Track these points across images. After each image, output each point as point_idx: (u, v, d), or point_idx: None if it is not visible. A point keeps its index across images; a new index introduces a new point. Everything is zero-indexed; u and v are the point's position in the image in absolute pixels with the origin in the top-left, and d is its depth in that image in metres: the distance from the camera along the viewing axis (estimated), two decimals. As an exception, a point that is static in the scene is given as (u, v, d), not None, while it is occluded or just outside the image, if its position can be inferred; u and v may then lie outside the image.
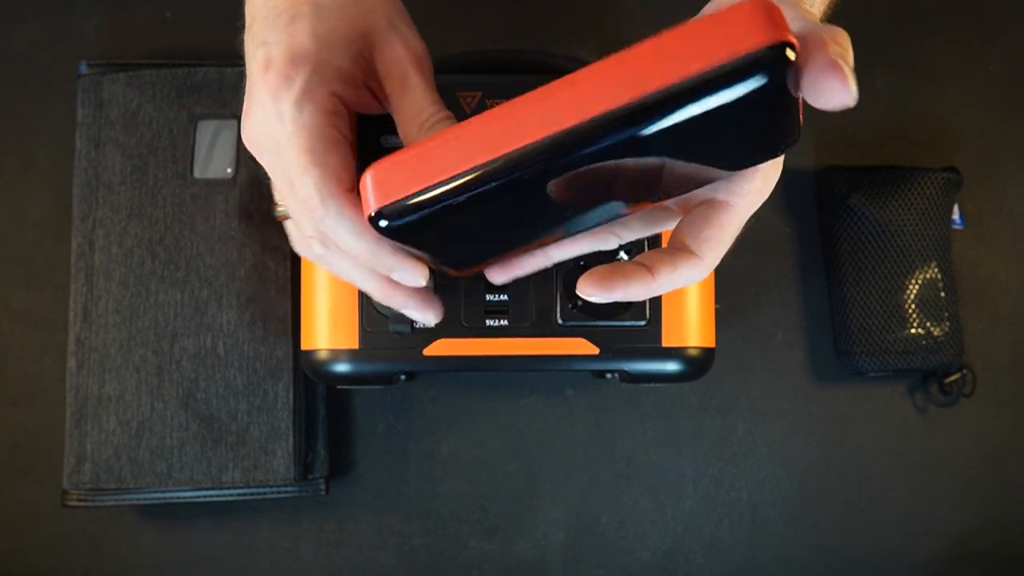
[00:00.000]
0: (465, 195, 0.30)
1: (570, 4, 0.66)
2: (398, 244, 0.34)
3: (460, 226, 0.33)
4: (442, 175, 0.30)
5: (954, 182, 0.64)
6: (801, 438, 0.64)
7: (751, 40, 0.25)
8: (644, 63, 0.26)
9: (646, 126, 0.27)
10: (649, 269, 0.36)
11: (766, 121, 0.30)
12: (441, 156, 0.30)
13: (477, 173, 0.29)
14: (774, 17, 0.26)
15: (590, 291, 0.35)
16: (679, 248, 0.36)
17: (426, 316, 0.41)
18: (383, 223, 0.31)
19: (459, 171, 0.30)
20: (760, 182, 0.36)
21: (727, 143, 0.31)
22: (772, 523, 0.63)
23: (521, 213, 0.33)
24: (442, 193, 0.30)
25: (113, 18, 0.63)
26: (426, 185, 0.30)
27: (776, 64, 0.25)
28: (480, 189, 0.30)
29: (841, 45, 0.28)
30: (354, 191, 0.35)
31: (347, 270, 0.39)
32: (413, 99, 0.37)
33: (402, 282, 0.38)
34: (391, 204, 0.31)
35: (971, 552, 0.64)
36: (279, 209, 0.44)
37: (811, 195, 0.65)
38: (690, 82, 0.26)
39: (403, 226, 0.31)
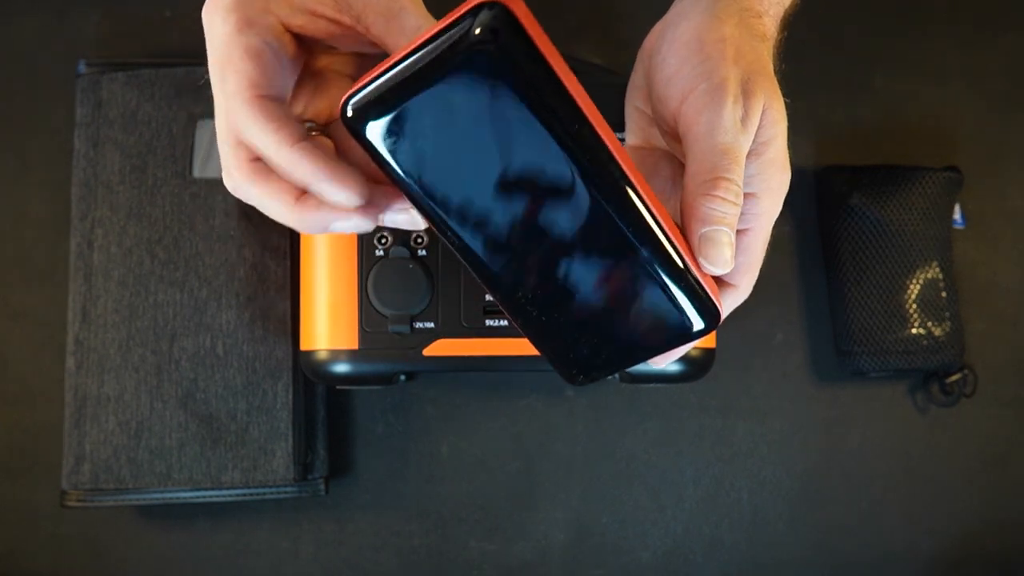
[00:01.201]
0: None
1: (570, 4, 0.66)
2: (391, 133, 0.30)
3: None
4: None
5: (955, 181, 0.64)
6: (801, 438, 0.64)
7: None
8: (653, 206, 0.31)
9: (609, 201, 0.30)
10: None
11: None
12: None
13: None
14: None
15: (663, 363, 0.37)
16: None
17: (360, 223, 0.34)
18: (494, 24, 0.26)
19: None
20: (769, 201, 0.36)
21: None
22: (772, 523, 0.63)
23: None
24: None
25: (113, 17, 0.63)
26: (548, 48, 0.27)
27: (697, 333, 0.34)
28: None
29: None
30: (270, 99, 0.33)
31: (261, 199, 0.34)
32: (406, 22, 0.33)
33: (324, 197, 0.32)
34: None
35: (972, 552, 0.64)
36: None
37: (811, 195, 0.65)
38: (661, 252, 0.31)
39: (506, 51, 0.27)
